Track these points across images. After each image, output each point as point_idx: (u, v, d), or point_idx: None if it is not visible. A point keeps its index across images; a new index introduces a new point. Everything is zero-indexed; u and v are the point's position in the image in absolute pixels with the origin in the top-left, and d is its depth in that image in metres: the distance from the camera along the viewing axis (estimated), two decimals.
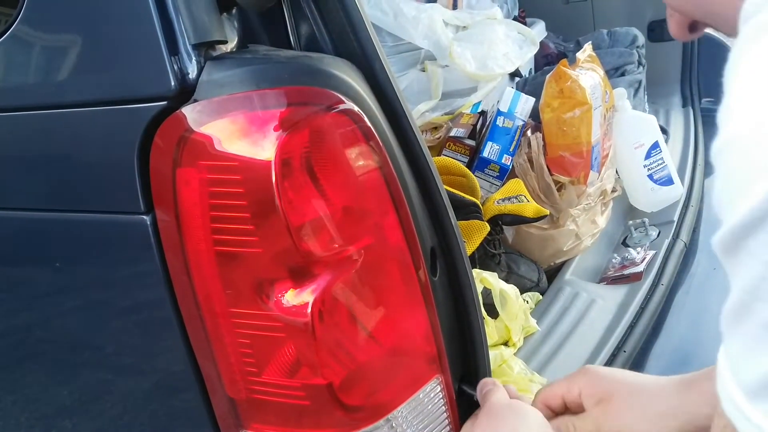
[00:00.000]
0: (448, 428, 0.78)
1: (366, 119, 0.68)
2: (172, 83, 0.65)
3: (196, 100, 0.64)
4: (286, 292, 0.64)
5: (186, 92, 0.66)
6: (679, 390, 0.69)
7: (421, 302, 0.71)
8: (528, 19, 2.01)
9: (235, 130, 0.63)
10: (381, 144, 0.68)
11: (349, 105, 0.67)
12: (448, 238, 0.78)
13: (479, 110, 1.58)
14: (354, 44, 0.74)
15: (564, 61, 1.40)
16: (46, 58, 0.73)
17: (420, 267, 0.71)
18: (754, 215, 0.32)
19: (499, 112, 1.46)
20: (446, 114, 1.63)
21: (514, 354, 1.16)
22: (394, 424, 0.71)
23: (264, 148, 0.62)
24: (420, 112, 1.61)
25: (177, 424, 0.81)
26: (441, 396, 0.76)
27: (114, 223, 0.72)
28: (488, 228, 1.19)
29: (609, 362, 1.18)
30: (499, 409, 0.72)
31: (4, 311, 0.87)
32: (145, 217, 0.69)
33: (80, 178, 0.73)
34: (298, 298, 0.64)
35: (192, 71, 0.66)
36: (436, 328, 0.73)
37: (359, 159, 0.67)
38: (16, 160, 0.76)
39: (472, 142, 1.48)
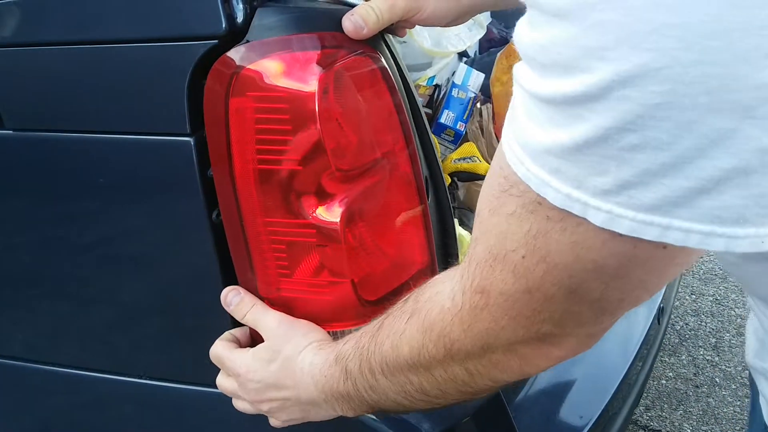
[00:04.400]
0: None
1: (385, 63, 0.83)
2: (223, 25, 0.78)
3: (248, 41, 0.78)
4: (320, 203, 0.78)
5: (233, 34, 0.79)
6: None
7: (420, 218, 0.87)
8: None
9: (282, 66, 0.76)
10: (395, 85, 0.83)
11: (373, 49, 0.82)
12: (434, 171, 0.94)
13: (434, 83, 1.75)
14: None
15: None
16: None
17: (421, 190, 0.87)
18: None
19: (454, 84, 1.64)
20: None
21: None
22: None
23: (307, 82, 0.75)
24: None
25: (208, 327, 0.94)
26: None
27: (162, 143, 0.84)
28: (449, 180, 1.36)
29: None
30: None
31: (55, 223, 0.97)
32: (189, 138, 0.82)
33: (138, 103, 0.84)
34: (329, 208, 0.78)
35: (239, 16, 0.79)
36: (431, 243, 0.88)
37: (379, 96, 0.82)
38: (81, 86, 0.87)
39: (428, 110, 1.64)
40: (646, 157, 0.38)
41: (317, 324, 0.84)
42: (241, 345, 0.85)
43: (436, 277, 0.63)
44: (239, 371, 0.80)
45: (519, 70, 0.44)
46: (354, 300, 0.82)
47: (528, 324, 0.52)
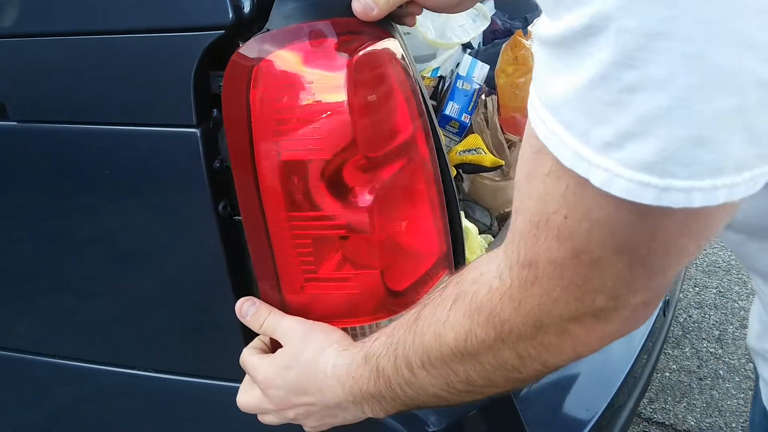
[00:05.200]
0: None
1: (402, 50, 0.82)
2: (230, 15, 0.77)
3: (268, 30, 0.75)
4: (348, 192, 0.76)
5: (240, 24, 0.77)
6: None
7: (438, 207, 0.85)
8: None
9: (306, 55, 0.74)
10: (411, 71, 0.82)
11: (390, 36, 0.80)
12: (441, 163, 0.93)
13: (438, 75, 1.74)
14: None
15: (519, 31, 1.58)
16: None
17: (438, 177, 0.85)
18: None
19: (458, 76, 1.63)
20: None
21: None
22: None
23: (334, 70, 0.73)
24: None
25: (213, 320, 0.93)
26: None
27: (168, 134, 0.83)
28: (455, 172, 1.35)
29: None
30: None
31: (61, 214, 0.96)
32: (195, 130, 0.82)
33: (143, 95, 0.83)
34: (358, 197, 0.77)
35: (246, 6, 0.78)
36: (447, 230, 0.87)
37: (399, 81, 0.80)
38: (86, 77, 0.86)
39: (433, 102, 1.63)
40: (645, 98, 0.38)
41: (345, 318, 0.82)
42: (270, 351, 0.82)
43: (477, 259, 0.60)
44: (258, 379, 0.77)
45: (537, 25, 0.44)
46: (382, 291, 0.80)
47: (580, 295, 0.50)
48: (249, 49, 0.75)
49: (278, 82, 0.74)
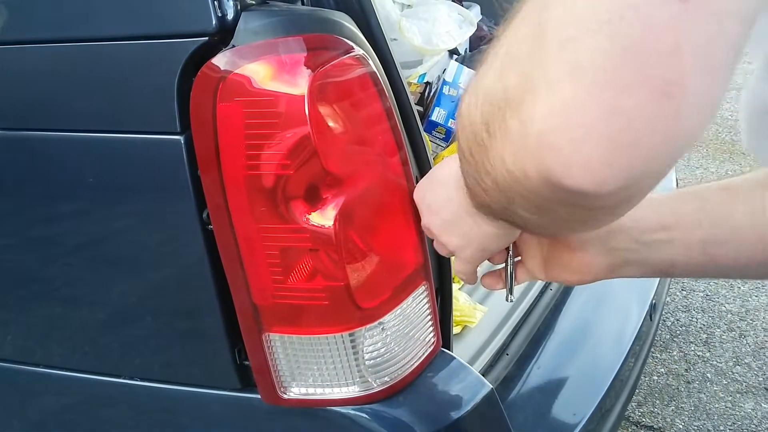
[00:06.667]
0: (431, 330, 0.93)
1: (372, 65, 0.82)
2: (213, 22, 0.77)
3: (234, 46, 0.76)
4: (313, 207, 0.78)
5: (223, 31, 0.78)
6: None
7: (412, 218, 0.86)
8: (464, 2, 2.19)
9: (270, 70, 0.75)
10: (383, 86, 0.82)
11: (359, 51, 0.81)
12: (425, 171, 0.93)
13: (425, 81, 1.75)
14: (354, 3, 0.88)
15: None
16: None
17: (412, 189, 0.86)
18: None
19: (444, 82, 1.64)
20: None
21: (459, 289, 1.34)
22: (400, 319, 0.86)
23: (297, 86, 0.74)
24: None
25: (199, 327, 0.93)
26: (427, 301, 0.91)
27: (152, 142, 0.83)
28: None
29: (539, 297, 1.38)
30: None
31: (45, 222, 0.96)
32: (179, 137, 0.81)
33: (127, 102, 0.83)
34: (323, 211, 0.78)
35: (230, 14, 0.78)
36: (423, 241, 0.88)
37: (368, 97, 0.81)
38: (69, 85, 0.85)
39: (420, 108, 1.64)
40: None
41: (317, 328, 0.83)
42: None
43: None
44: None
45: None
46: (349, 304, 0.81)
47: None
48: (219, 61, 0.75)
49: (243, 96, 0.75)
